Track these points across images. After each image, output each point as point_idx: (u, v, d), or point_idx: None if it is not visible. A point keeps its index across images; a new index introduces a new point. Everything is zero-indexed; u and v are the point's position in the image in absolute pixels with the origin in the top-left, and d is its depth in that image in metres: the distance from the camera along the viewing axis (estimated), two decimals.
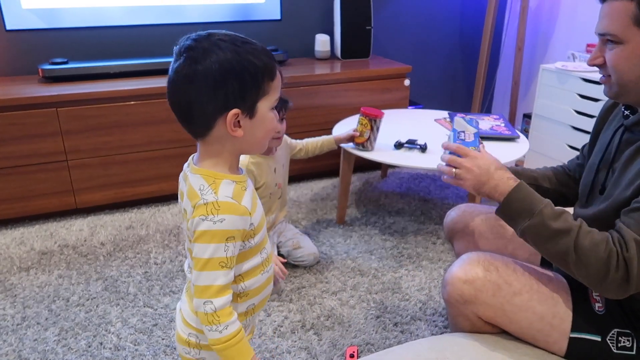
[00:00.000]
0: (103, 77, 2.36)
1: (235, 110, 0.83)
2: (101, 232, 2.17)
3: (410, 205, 2.41)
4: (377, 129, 1.98)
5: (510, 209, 1.05)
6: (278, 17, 2.75)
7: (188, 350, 0.97)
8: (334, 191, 2.55)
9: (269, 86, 0.86)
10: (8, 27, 2.31)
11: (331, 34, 2.88)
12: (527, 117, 2.96)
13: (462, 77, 3.42)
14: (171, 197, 2.45)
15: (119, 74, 2.37)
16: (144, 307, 1.70)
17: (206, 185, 0.86)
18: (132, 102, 2.21)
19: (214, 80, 0.81)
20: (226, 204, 0.85)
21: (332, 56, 2.90)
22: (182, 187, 0.92)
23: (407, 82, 2.68)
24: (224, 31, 0.86)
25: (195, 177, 0.88)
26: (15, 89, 2.18)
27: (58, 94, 2.10)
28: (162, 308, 1.69)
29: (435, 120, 2.39)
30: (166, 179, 2.38)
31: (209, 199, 0.85)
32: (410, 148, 2.03)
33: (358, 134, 1.98)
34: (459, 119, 1.26)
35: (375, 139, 2.00)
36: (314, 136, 2.06)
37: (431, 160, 1.93)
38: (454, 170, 1.12)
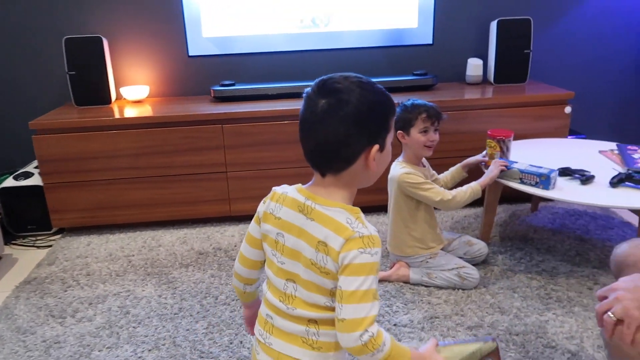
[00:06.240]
0: (264, 97, 2.58)
1: (377, 146, 0.90)
2: None
3: (563, 244, 2.19)
4: (507, 149, 1.89)
5: None
6: (430, 41, 2.74)
7: None
8: (476, 221, 2.43)
9: (392, 121, 0.96)
10: (190, 54, 2.67)
11: (484, 58, 2.78)
12: None
13: (635, 104, 3.03)
14: None
15: (278, 95, 2.57)
16: None
17: (353, 218, 0.90)
18: (287, 122, 2.37)
19: (363, 118, 0.88)
20: (377, 238, 0.89)
21: (484, 81, 2.80)
22: (296, 219, 0.94)
23: (567, 109, 2.47)
24: (352, 73, 0.92)
25: (336, 211, 0.90)
26: (191, 107, 2.50)
27: (224, 112, 2.36)
28: None
29: (599, 151, 2.16)
30: None
31: (364, 232, 0.87)
32: (571, 178, 1.86)
33: (487, 158, 1.90)
34: None
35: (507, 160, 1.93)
36: (458, 162, 2.04)
37: (593, 195, 1.74)
38: (609, 313, 0.98)
